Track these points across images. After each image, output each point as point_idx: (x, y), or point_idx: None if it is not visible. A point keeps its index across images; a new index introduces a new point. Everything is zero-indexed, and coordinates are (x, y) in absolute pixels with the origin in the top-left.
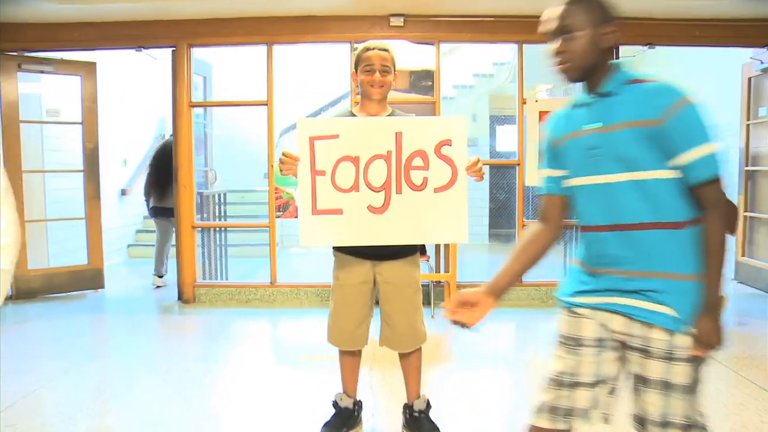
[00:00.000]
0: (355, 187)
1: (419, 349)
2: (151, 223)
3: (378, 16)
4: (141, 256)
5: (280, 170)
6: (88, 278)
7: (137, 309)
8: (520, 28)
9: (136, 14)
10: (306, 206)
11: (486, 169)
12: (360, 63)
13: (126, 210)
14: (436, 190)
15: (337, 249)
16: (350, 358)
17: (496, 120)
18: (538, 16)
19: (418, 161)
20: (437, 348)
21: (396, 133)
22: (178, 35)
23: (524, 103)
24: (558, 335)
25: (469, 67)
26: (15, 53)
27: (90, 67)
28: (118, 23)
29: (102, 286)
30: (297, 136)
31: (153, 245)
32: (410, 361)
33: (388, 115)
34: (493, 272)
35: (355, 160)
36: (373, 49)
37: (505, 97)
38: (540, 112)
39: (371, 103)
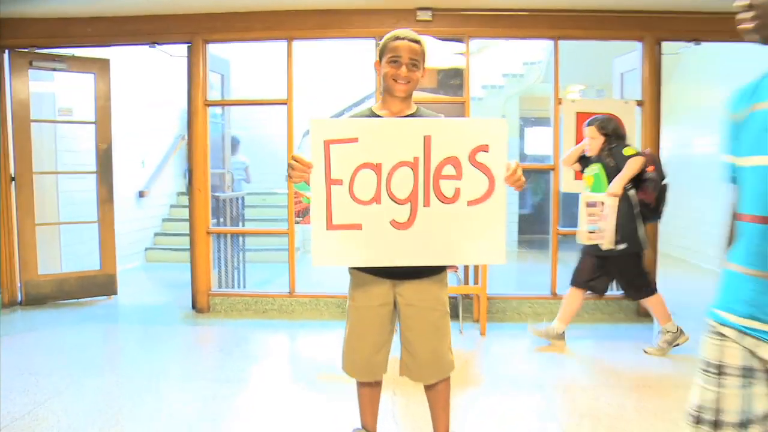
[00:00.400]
0: (376, 199)
1: (447, 379)
2: (171, 226)
3: (404, 10)
4: (159, 260)
5: (289, 177)
6: (100, 284)
7: (149, 318)
8: (556, 23)
9: (149, 8)
10: (320, 220)
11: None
12: (385, 53)
13: (144, 212)
14: (470, 203)
15: (353, 267)
16: (369, 389)
17: (526, 122)
18: (576, 11)
19: (449, 169)
20: (465, 368)
21: (424, 136)
22: (193, 30)
23: (560, 103)
24: (701, 360)
25: (499, 67)
26: (25, 50)
27: (103, 64)
28: (131, 18)
29: (115, 293)
30: (310, 139)
31: (172, 248)
32: (437, 392)
33: (414, 115)
34: (523, 282)
35: (377, 168)
36: (403, 38)
37: (536, 98)
38: (577, 113)
39: (394, 100)
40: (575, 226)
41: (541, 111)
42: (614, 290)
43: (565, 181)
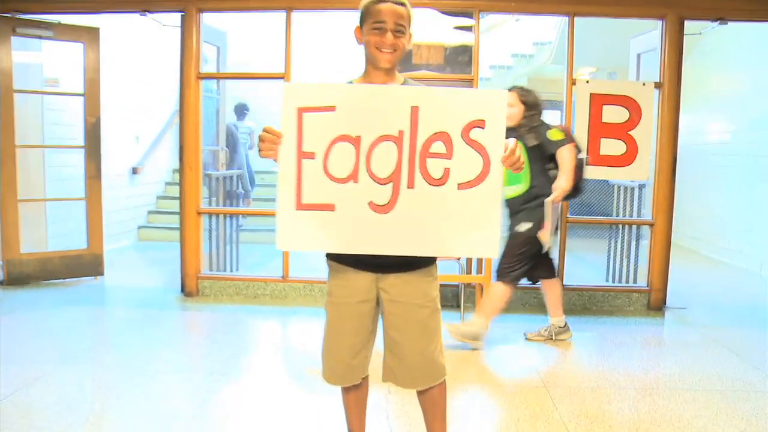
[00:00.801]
0: (353, 177)
1: (442, 384)
2: (165, 204)
3: None
4: (152, 239)
5: (260, 151)
6: (87, 264)
7: (134, 302)
8: None
9: None
10: (287, 198)
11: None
12: (367, 18)
13: (137, 189)
14: (461, 186)
15: (330, 256)
16: (354, 394)
17: None
18: None
19: (438, 146)
20: (465, 365)
21: (411, 107)
22: None
23: (573, 84)
24: None
25: (508, 47)
26: (8, 15)
27: (93, 34)
28: None
29: (101, 273)
30: (281, 105)
31: (166, 227)
32: (431, 398)
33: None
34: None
35: (356, 141)
36: (386, 1)
37: (545, 79)
38: (591, 95)
39: (377, 72)
40: (587, 212)
41: (552, 93)
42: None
43: None
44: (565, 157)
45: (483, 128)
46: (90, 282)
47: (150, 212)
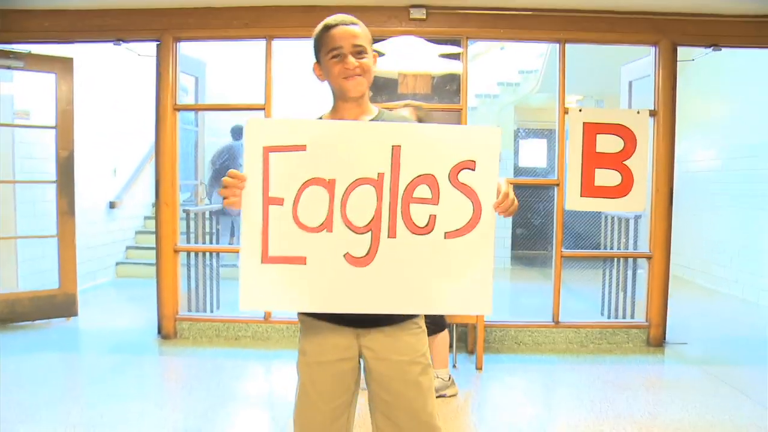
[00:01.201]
0: (327, 226)
1: None
2: (144, 239)
3: (395, 7)
4: (131, 275)
5: (224, 200)
6: (59, 305)
7: (108, 346)
8: (562, 25)
9: (113, 1)
10: (252, 250)
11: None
12: (322, 49)
13: (115, 224)
14: (449, 235)
15: (302, 312)
16: None
17: (521, 133)
18: (584, 11)
19: (423, 191)
20: (460, 414)
21: (393, 146)
22: (163, 27)
23: (566, 112)
24: None
25: (493, 76)
26: None
27: (66, 64)
28: (93, 11)
29: (75, 314)
30: (245, 143)
31: (144, 263)
32: None
33: (375, 120)
34: (519, 306)
35: (330, 185)
36: (336, 25)
37: (532, 108)
38: (584, 124)
39: (348, 105)
40: (580, 245)
41: (538, 122)
42: (619, 317)
43: (571, 197)
44: None
45: (473, 170)
46: (62, 324)
47: (128, 248)
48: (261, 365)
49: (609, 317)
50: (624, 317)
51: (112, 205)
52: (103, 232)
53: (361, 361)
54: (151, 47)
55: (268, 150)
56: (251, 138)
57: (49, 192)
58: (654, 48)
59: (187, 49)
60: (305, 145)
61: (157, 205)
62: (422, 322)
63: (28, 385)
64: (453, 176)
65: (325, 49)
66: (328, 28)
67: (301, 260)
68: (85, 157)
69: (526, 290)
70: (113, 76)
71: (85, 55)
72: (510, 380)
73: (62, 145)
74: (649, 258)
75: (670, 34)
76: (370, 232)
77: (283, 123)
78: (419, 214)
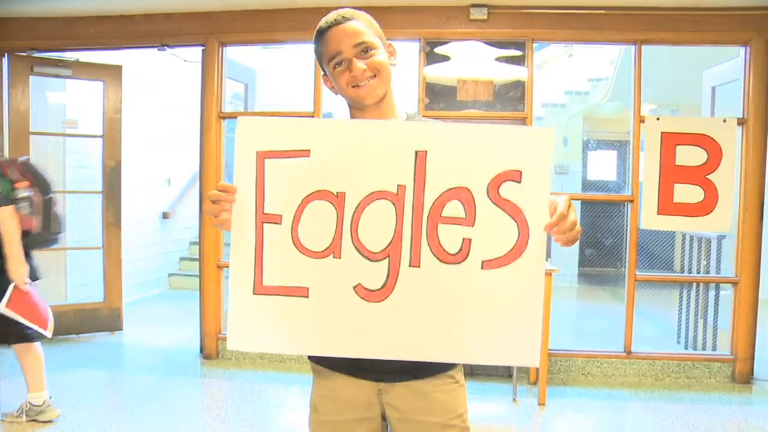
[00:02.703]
0: (334, 250)
1: None
2: (198, 250)
3: (454, 7)
4: (183, 287)
5: (213, 217)
6: (103, 319)
7: (148, 364)
8: (638, 24)
9: (158, 6)
10: (243, 278)
11: (578, 206)
12: (323, 59)
13: (169, 235)
14: (487, 265)
15: (313, 357)
16: None
17: (590, 145)
18: (663, 9)
19: (454, 208)
20: None
21: (417, 152)
22: (208, 31)
23: (642, 121)
24: None
25: (561, 84)
26: (25, 54)
27: (114, 72)
28: (138, 17)
29: (119, 328)
30: (236, 147)
31: (198, 275)
32: None
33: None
34: (586, 331)
35: (338, 201)
36: (329, 27)
37: (602, 118)
38: (662, 134)
39: (366, 113)
40: (653, 266)
41: (608, 132)
42: (698, 348)
43: (646, 215)
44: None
45: (519, 182)
46: (106, 339)
47: (182, 259)
48: (302, 392)
49: (687, 347)
50: (704, 348)
51: (165, 216)
52: (156, 243)
53: (385, 422)
54: (197, 52)
55: (262, 156)
56: (242, 141)
57: (97, 202)
58: (744, 48)
59: (236, 55)
60: (308, 150)
61: (200, 217)
62: (460, 375)
63: (62, 402)
64: (493, 190)
65: (326, 59)
66: (321, 32)
67: (303, 292)
68: (138, 167)
69: (593, 312)
70: (167, 83)
71: (138, 62)
72: (576, 418)
73: (109, 154)
74: (735, 283)
75: (765, 31)
76: (387, 259)
77: (281, 123)
78: (450, 237)
